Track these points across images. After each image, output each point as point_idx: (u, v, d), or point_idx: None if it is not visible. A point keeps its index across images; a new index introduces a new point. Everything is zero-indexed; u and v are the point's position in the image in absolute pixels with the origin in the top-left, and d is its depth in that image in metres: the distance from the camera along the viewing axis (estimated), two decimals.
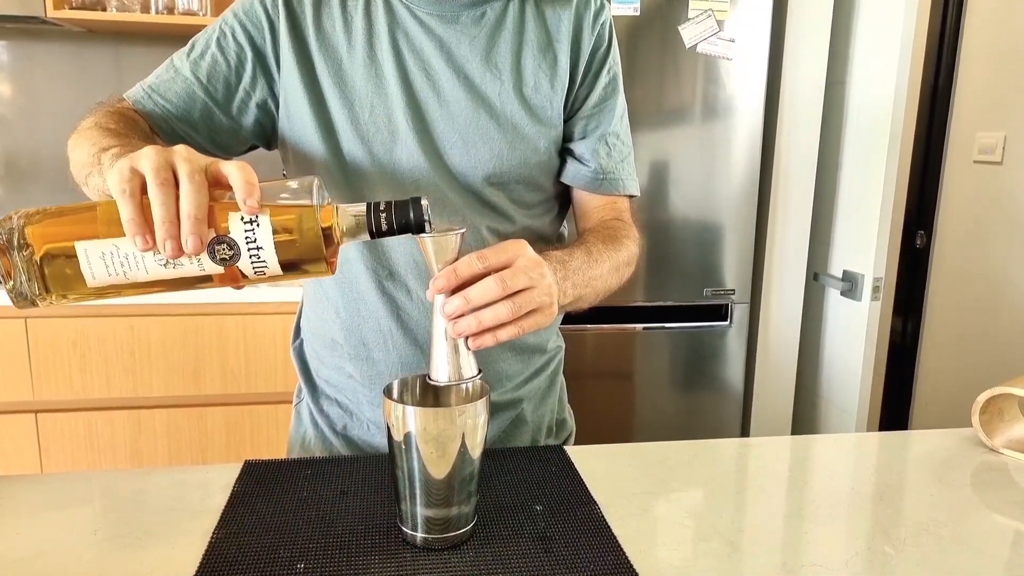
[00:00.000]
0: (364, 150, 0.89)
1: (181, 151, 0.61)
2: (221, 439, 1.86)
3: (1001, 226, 2.34)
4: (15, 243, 0.61)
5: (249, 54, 0.90)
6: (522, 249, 0.70)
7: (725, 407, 2.28)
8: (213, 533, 0.70)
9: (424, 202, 0.65)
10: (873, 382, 2.23)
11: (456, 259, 0.67)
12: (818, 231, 2.27)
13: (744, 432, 2.33)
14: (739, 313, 2.22)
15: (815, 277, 2.29)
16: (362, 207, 0.65)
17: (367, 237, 0.66)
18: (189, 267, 0.63)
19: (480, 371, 0.70)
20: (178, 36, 2.18)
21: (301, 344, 1.06)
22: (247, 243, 0.62)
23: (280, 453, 1.00)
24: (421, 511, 0.68)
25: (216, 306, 1.81)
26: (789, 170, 2.20)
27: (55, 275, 0.63)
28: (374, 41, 0.89)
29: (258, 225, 0.62)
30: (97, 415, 1.79)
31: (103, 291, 0.65)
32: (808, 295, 2.30)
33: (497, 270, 0.68)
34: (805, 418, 2.42)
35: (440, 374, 0.69)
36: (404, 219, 0.65)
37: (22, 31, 2.16)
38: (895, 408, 2.73)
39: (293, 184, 0.64)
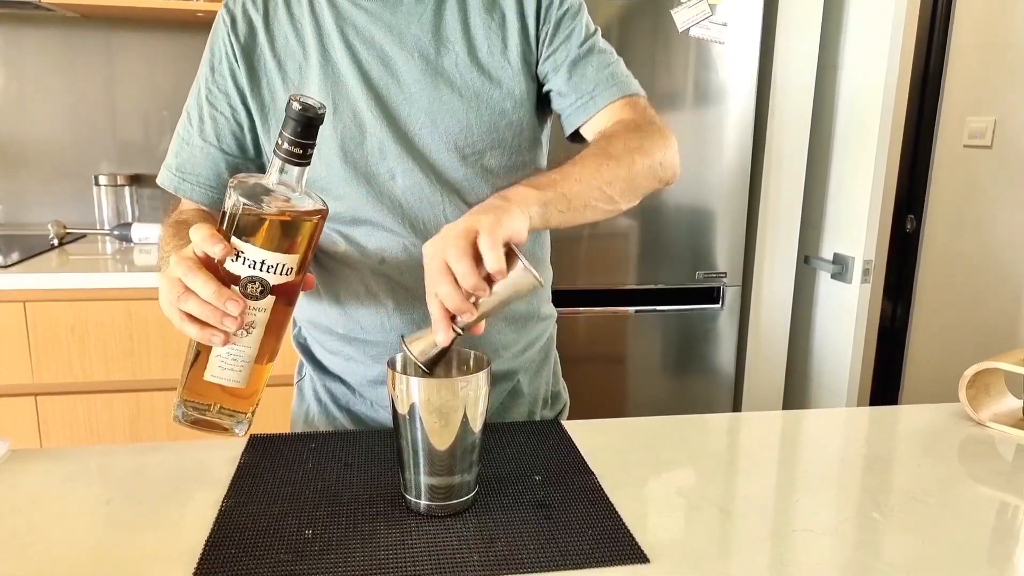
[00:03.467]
0: (336, 149, 0.89)
1: (172, 266, 0.69)
2: None
3: (990, 210, 2.36)
4: (193, 414, 0.77)
5: (236, 98, 0.92)
6: (440, 241, 0.70)
7: (717, 389, 2.31)
8: (222, 502, 0.72)
9: (295, 99, 0.67)
10: (863, 364, 2.26)
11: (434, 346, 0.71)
12: (809, 214, 2.29)
13: None
14: (731, 296, 2.24)
15: (806, 260, 2.32)
16: (272, 155, 0.69)
17: (302, 164, 0.70)
18: (258, 316, 0.71)
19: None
20: (171, 21, 2.18)
21: (300, 330, 1.07)
22: (256, 267, 0.69)
23: (277, 431, 1.02)
24: (425, 480, 0.70)
25: None
26: (781, 153, 2.21)
27: (227, 402, 0.76)
28: (325, 41, 0.90)
29: (244, 252, 0.68)
30: (96, 398, 1.80)
31: (258, 383, 0.78)
32: (799, 278, 2.32)
33: (453, 266, 0.68)
34: (796, 399, 2.45)
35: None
36: (301, 127, 0.68)
37: (13, 16, 2.15)
38: (884, 390, 2.77)
39: (229, 202, 0.69)
